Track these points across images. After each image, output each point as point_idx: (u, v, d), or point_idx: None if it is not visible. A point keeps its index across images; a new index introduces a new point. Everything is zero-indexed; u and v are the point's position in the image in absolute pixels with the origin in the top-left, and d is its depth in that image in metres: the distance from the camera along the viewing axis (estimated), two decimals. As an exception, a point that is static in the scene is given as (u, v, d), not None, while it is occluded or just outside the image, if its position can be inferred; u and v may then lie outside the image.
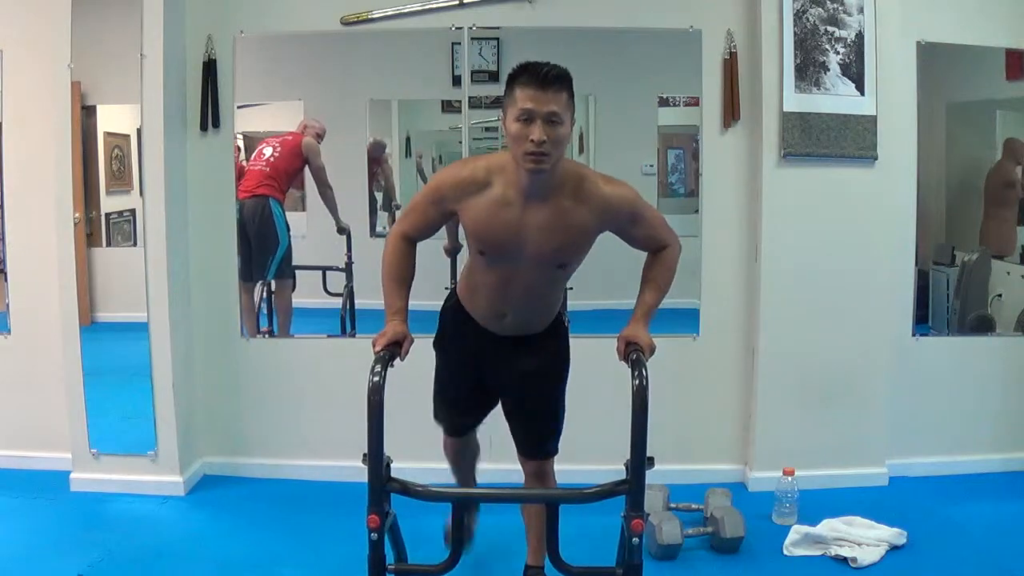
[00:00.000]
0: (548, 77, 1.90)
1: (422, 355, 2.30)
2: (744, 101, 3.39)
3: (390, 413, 1.96)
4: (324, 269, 3.63)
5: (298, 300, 3.70)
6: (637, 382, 1.91)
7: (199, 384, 3.53)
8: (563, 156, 2.00)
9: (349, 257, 3.60)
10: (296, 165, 3.56)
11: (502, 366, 2.29)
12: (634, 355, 2.01)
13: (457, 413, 2.44)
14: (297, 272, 3.66)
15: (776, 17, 3.26)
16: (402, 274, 2.13)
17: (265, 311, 3.68)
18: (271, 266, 3.59)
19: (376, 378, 1.92)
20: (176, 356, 3.35)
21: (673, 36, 3.41)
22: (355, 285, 3.58)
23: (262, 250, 3.58)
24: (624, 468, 1.95)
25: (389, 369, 1.98)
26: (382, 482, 1.95)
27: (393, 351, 2.01)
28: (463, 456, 2.58)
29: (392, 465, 2.02)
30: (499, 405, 2.40)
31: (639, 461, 1.91)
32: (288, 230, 3.60)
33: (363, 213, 3.57)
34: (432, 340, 2.38)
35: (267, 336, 3.64)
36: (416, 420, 2.51)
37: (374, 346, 2.02)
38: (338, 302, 3.65)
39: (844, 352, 3.40)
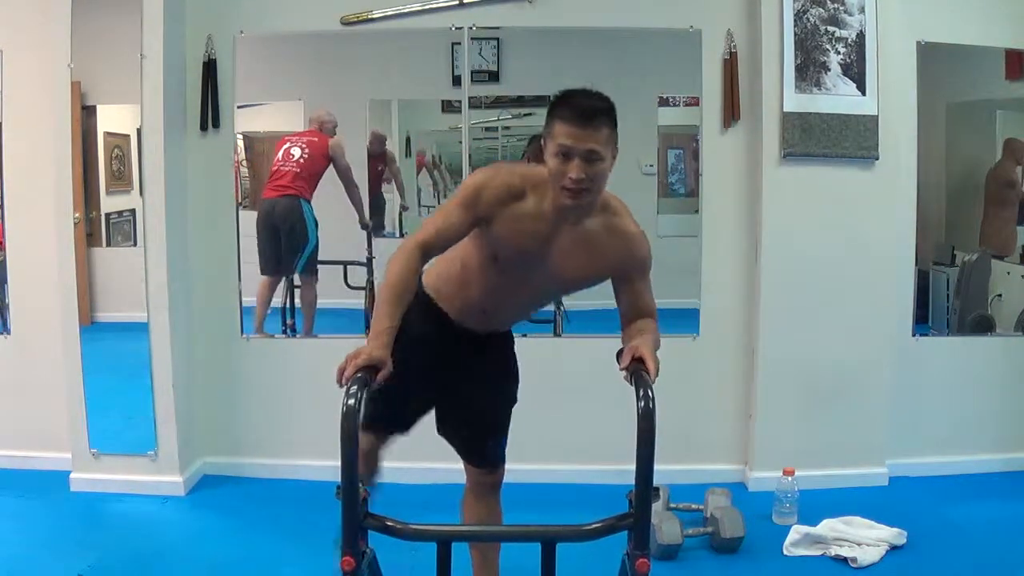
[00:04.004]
0: (588, 113, 1.79)
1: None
2: (744, 101, 3.38)
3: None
4: (345, 264, 3.67)
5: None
6: (643, 404, 1.65)
7: (199, 384, 3.53)
8: (603, 189, 1.89)
9: (370, 252, 3.63)
10: (323, 165, 3.59)
11: (462, 361, 2.17)
12: (637, 372, 1.75)
13: (403, 404, 2.16)
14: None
15: (776, 17, 3.25)
16: (406, 291, 1.85)
17: (289, 307, 3.72)
18: (299, 262, 3.64)
19: (351, 401, 1.70)
20: (176, 356, 3.35)
21: (673, 36, 3.41)
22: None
23: (292, 247, 3.63)
24: (627, 500, 1.70)
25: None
26: (358, 520, 1.77)
27: (367, 376, 1.73)
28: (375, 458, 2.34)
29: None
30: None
31: (645, 492, 1.66)
32: (317, 229, 3.63)
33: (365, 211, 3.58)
34: None
35: (291, 331, 3.68)
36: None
37: (343, 371, 1.76)
38: (339, 303, 3.66)
39: (844, 352, 3.39)
